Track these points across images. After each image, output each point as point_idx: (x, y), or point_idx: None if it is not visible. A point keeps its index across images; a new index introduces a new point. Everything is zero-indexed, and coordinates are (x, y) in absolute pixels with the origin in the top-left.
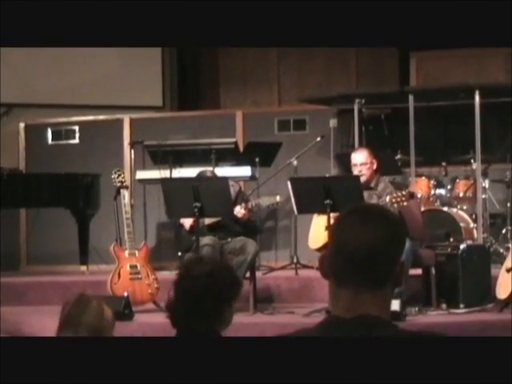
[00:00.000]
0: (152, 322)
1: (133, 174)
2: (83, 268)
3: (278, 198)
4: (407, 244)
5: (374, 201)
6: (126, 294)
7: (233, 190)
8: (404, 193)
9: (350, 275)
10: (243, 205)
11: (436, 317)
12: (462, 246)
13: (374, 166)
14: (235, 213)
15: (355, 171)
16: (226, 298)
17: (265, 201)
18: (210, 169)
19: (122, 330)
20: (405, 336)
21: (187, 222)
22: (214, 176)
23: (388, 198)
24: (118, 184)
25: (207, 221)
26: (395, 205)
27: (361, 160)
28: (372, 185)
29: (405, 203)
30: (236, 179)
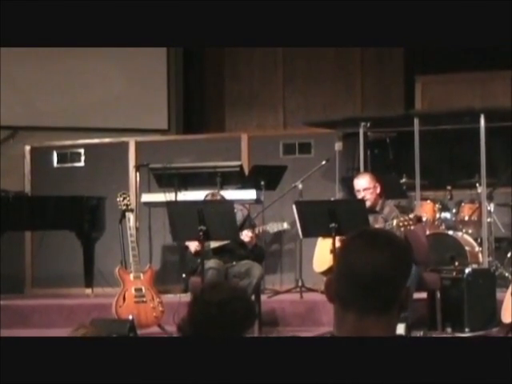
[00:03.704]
0: None
1: (138, 197)
2: (88, 291)
3: (285, 225)
4: (412, 268)
5: (381, 224)
6: (130, 317)
7: (241, 215)
8: (411, 216)
9: (356, 299)
10: (250, 230)
11: None
12: (467, 270)
13: (378, 190)
14: (242, 237)
15: (359, 197)
16: (237, 328)
17: (272, 227)
18: (216, 191)
19: None
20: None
21: (192, 245)
22: (222, 198)
23: (395, 222)
24: (124, 207)
25: (212, 244)
26: (402, 228)
27: (363, 185)
28: (377, 209)
29: (412, 227)
30: (241, 202)
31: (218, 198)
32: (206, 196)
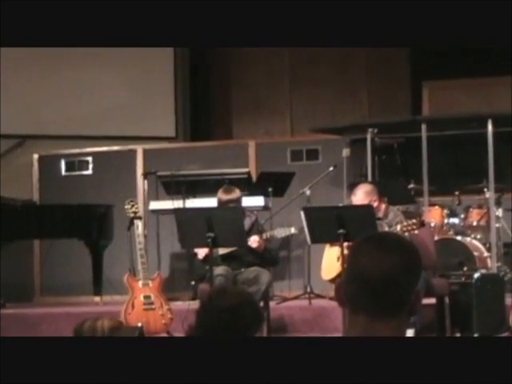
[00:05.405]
0: None
1: (146, 204)
2: (97, 299)
3: (292, 230)
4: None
5: (385, 230)
6: (139, 324)
7: (249, 220)
8: (415, 221)
9: (365, 302)
10: (258, 235)
11: None
12: (475, 275)
13: (376, 203)
14: (250, 243)
15: None
16: (246, 332)
17: (280, 232)
18: (229, 187)
19: None
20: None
21: (200, 252)
22: (235, 192)
23: (399, 227)
24: (132, 215)
25: (221, 251)
26: (406, 233)
27: (359, 203)
28: (381, 215)
29: (416, 231)
30: (249, 209)
31: (233, 193)
32: (221, 191)
